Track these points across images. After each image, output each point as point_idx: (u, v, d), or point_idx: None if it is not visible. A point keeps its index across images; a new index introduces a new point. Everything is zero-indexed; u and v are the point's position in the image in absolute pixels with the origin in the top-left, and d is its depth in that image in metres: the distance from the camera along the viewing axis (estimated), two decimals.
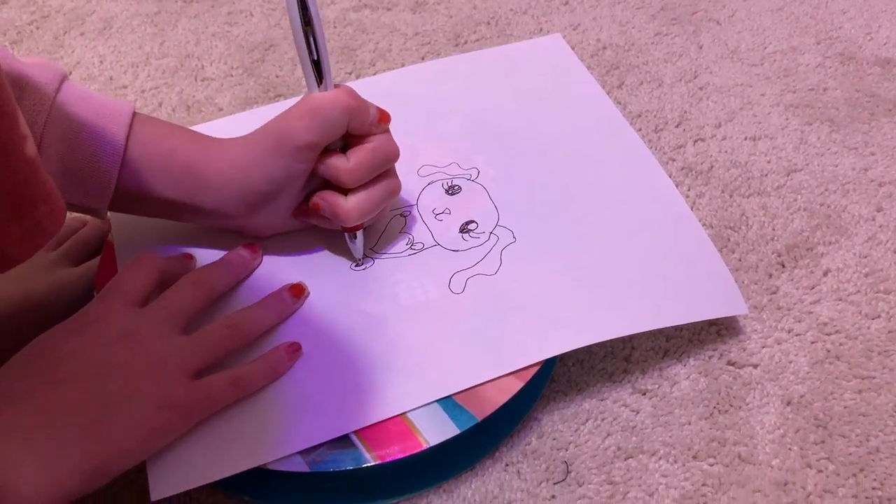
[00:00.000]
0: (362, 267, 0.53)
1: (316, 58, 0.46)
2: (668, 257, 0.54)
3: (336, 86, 0.48)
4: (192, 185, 0.49)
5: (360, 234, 0.52)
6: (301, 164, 0.48)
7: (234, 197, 0.50)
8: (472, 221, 0.56)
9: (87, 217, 0.63)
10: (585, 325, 0.50)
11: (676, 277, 0.53)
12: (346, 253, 0.54)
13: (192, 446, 0.45)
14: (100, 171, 0.47)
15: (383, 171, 0.50)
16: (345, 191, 0.50)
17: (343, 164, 0.48)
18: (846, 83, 0.71)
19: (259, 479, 0.46)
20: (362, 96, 0.49)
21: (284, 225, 0.54)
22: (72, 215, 0.64)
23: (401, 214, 0.57)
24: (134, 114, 0.49)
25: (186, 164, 0.49)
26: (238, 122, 0.60)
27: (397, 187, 0.52)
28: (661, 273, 0.53)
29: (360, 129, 0.48)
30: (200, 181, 0.49)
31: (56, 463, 0.39)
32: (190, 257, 0.53)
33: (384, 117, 0.49)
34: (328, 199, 0.50)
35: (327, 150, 0.49)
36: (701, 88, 0.72)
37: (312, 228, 0.55)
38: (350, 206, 0.49)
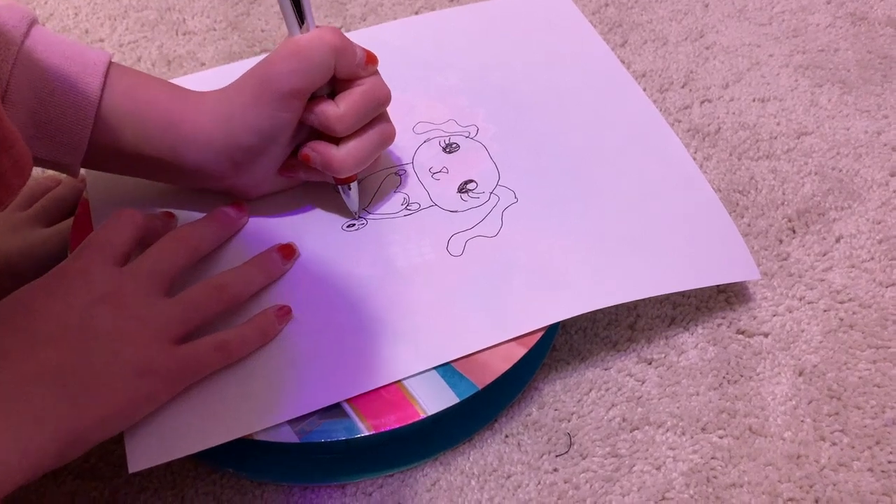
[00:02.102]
0: (355, 228, 0.51)
1: None
2: (677, 219, 0.51)
3: (318, 27, 0.45)
4: (171, 142, 0.46)
5: (354, 185, 0.49)
6: (287, 112, 0.45)
7: (217, 153, 0.46)
8: (471, 181, 0.53)
9: (61, 176, 0.60)
10: (590, 290, 0.47)
11: (685, 240, 0.50)
12: (339, 212, 0.51)
13: (173, 415, 0.42)
14: (72, 124, 0.44)
15: (375, 116, 0.47)
16: (336, 140, 0.47)
17: (333, 111, 0.45)
18: (858, 44, 0.69)
19: (245, 451, 0.44)
20: None
21: (272, 184, 0.51)
22: (45, 174, 0.61)
23: (395, 173, 0.54)
24: (110, 63, 0.45)
25: (165, 119, 0.46)
26: (221, 74, 0.57)
27: (391, 133, 0.49)
28: (669, 236, 0.50)
29: (347, 71, 0.45)
30: (180, 137, 0.46)
31: (30, 432, 0.36)
32: (171, 216, 0.50)
33: (371, 58, 0.46)
34: (319, 150, 0.47)
35: (315, 98, 0.46)
36: (707, 48, 0.69)
37: (301, 186, 0.52)
38: (343, 155, 0.46)
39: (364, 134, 0.47)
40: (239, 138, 0.46)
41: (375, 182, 0.53)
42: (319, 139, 0.47)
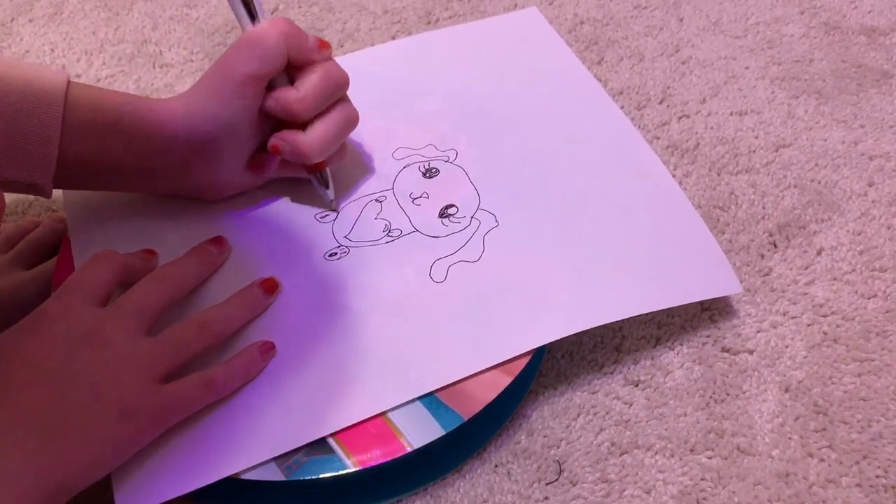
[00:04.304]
0: (337, 257, 0.50)
1: None
2: (658, 237, 0.51)
3: (269, 18, 0.47)
4: (137, 147, 0.47)
5: (326, 172, 0.51)
6: (244, 99, 0.47)
7: (181, 151, 0.48)
8: (451, 206, 0.53)
9: (40, 218, 0.60)
10: (575, 312, 0.47)
11: (667, 258, 0.50)
12: (320, 242, 0.51)
13: (160, 457, 0.42)
14: (39, 143, 0.44)
15: (336, 99, 0.49)
16: (302, 127, 0.48)
17: (292, 94, 0.47)
18: (832, 54, 0.69)
19: (232, 490, 0.43)
20: None
21: (242, 181, 0.52)
22: (24, 216, 0.61)
23: (376, 199, 0.54)
24: (69, 82, 0.46)
25: (129, 126, 0.46)
26: None
27: (354, 115, 0.51)
28: (651, 253, 0.50)
29: (300, 55, 0.47)
30: (145, 141, 0.47)
31: (12, 481, 0.36)
32: (153, 253, 0.50)
33: (324, 44, 0.48)
34: (286, 138, 0.48)
35: (274, 87, 0.48)
36: (683, 63, 0.69)
37: (280, 213, 0.53)
38: (310, 139, 0.48)
39: (327, 116, 0.49)
40: (200, 131, 0.47)
41: (356, 209, 0.53)
42: (285, 130, 0.49)
